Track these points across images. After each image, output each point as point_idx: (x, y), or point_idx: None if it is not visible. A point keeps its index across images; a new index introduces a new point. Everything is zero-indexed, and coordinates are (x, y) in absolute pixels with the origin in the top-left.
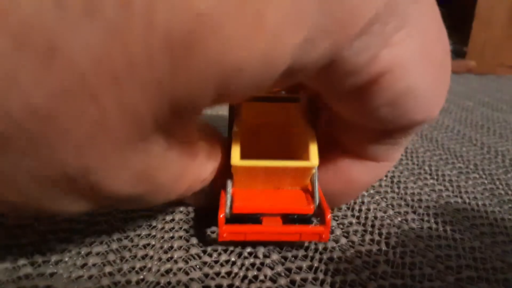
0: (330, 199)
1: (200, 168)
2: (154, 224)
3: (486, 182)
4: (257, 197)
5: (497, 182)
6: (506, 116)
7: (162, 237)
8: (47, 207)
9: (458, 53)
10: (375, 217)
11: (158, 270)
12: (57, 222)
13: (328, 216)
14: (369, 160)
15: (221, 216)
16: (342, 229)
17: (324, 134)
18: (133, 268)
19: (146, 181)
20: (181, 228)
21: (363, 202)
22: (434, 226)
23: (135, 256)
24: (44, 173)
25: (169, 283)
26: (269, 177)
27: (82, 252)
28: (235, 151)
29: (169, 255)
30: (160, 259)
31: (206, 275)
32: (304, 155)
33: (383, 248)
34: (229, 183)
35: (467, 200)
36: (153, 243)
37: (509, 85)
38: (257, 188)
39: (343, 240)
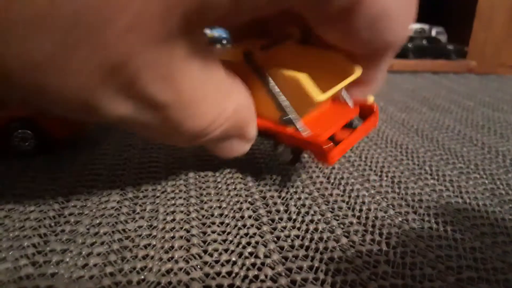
0: None
1: (225, 100)
2: (155, 224)
3: (486, 182)
4: (324, 120)
5: (498, 182)
6: (507, 116)
7: (163, 237)
8: (93, 102)
9: (459, 53)
10: (376, 217)
11: (159, 270)
12: (59, 223)
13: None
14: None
15: (326, 145)
16: (342, 229)
17: None
18: (134, 268)
19: (172, 87)
20: (181, 228)
21: (363, 202)
22: (434, 226)
23: (136, 256)
24: (94, 60)
25: (170, 283)
26: (325, 101)
27: (83, 252)
28: (313, 89)
29: (170, 255)
30: (161, 259)
31: (207, 275)
32: (341, 70)
33: (384, 248)
34: (298, 120)
35: (468, 200)
36: (154, 243)
37: (509, 85)
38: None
39: (344, 240)
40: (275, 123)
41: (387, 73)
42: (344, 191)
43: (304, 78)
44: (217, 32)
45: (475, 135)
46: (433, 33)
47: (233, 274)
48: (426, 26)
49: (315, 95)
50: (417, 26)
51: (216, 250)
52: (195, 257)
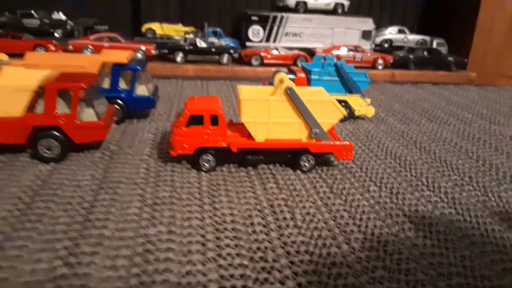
0: None
1: None
2: (173, 229)
3: (479, 194)
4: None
5: (490, 195)
6: (502, 129)
7: (181, 242)
8: None
9: (459, 64)
10: (375, 226)
11: (179, 272)
12: (86, 227)
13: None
14: None
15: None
16: (344, 236)
17: None
18: (157, 270)
19: None
20: (197, 233)
21: (364, 212)
22: (428, 235)
23: (158, 259)
24: None
25: (189, 283)
26: None
27: (111, 254)
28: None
29: (188, 258)
30: (180, 261)
31: (222, 277)
32: None
33: (381, 255)
34: (325, 132)
35: (461, 212)
36: (173, 247)
37: (507, 97)
38: None
39: (345, 247)
40: (298, 141)
41: (389, 83)
42: (345, 200)
43: (335, 101)
44: (224, 41)
45: (471, 148)
46: (434, 44)
47: (246, 277)
48: (427, 38)
49: (343, 111)
50: (419, 37)
51: (229, 254)
52: (210, 260)
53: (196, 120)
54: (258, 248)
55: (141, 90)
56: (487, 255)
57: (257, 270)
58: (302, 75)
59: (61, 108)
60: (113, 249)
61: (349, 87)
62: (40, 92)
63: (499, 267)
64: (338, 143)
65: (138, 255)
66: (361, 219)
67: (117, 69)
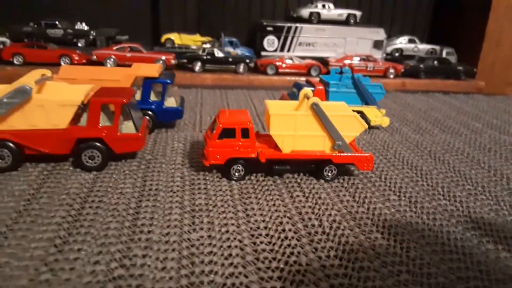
0: None
1: None
2: (213, 234)
3: (492, 203)
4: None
5: (502, 204)
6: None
7: (221, 246)
8: None
9: (468, 73)
10: (397, 233)
11: (223, 273)
12: (134, 232)
13: None
14: None
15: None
16: (369, 242)
17: None
18: (203, 272)
19: None
20: (235, 238)
21: (386, 220)
22: (446, 242)
23: (203, 262)
24: None
25: (233, 284)
26: None
27: (160, 257)
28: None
29: (229, 261)
30: (223, 264)
31: (262, 279)
32: None
33: (405, 260)
34: (347, 144)
35: (475, 220)
36: (215, 250)
37: None
38: None
39: (371, 252)
40: (322, 152)
41: (400, 92)
42: (368, 209)
43: (357, 115)
44: (240, 51)
45: (482, 158)
46: (444, 53)
47: (283, 279)
48: (437, 47)
49: (365, 125)
50: (429, 47)
51: (266, 258)
52: (250, 264)
53: (228, 132)
54: (292, 253)
55: (170, 102)
56: (501, 261)
57: (292, 273)
58: (321, 87)
59: (102, 120)
60: (162, 252)
61: (365, 98)
62: (83, 107)
63: None
64: (359, 154)
65: (185, 258)
66: (383, 227)
67: (148, 83)
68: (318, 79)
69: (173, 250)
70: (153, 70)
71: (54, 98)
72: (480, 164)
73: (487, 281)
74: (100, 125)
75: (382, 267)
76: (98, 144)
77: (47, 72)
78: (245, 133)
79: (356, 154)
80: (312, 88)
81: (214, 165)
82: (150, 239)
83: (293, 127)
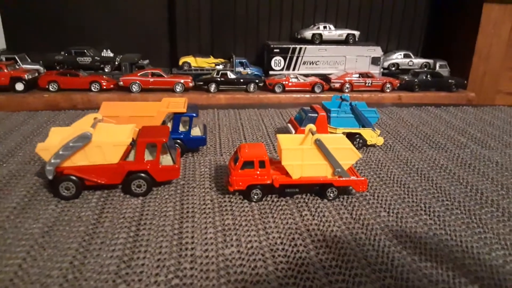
0: None
1: None
2: (241, 250)
3: (464, 217)
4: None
5: (473, 217)
6: (491, 154)
7: (248, 259)
8: None
9: (459, 85)
10: (384, 245)
11: (252, 281)
12: (181, 249)
13: None
14: None
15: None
16: (362, 253)
17: None
18: (236, 280)
19: None
20: (258, 252)
21: (376, 234)
22: (423, 251)
23: (236, 272)
24: None
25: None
26: None
27: (203, 269)
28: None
29: (255, 271)
30: (251, 274)
31: (281, 285)
32: None
33: (389, 268)
34: (345, 171)
35: (449, 232)
36: (244, 263)
37: (500, 118)
38: None
39: (363, 261)
40: (325, 177)
41: (396, 106)
42: (363, 224)
43: (353, 147)
44: (250, 70)
45: (462, 174)
46: (437, 66)
47: (296, 284)
48: (430, 61)
49: (359, 155)
50: (423, 60)
51: (283, 268)
52: (271, 273)
53: (248, 164)
54: (302, 263)
55: (195, 131)
56: (464, 267)
57: (303, 279)
58: (323, 113)
59: (146, 155)
60: (204, 265)
61: (362, 122)
62: (132, 145)
63: (473, 276)
64: (355, 178)
65: (221, 269)
66: (374, 240)
67: (178, 117)
68: (320, 105)
69: (212, 263)
70: (180, 105)
71: (109, 140)
72: (460, 180)
73: (453, 284)
74: (145, 159)
75: (372, 273)
76: (144, 175)
77: (98, 115)
78: (262, 164)
79: (353, 178)
80: (316, 115)
81: (237, 190)
82: (193, 254)
83: (300, 158)
